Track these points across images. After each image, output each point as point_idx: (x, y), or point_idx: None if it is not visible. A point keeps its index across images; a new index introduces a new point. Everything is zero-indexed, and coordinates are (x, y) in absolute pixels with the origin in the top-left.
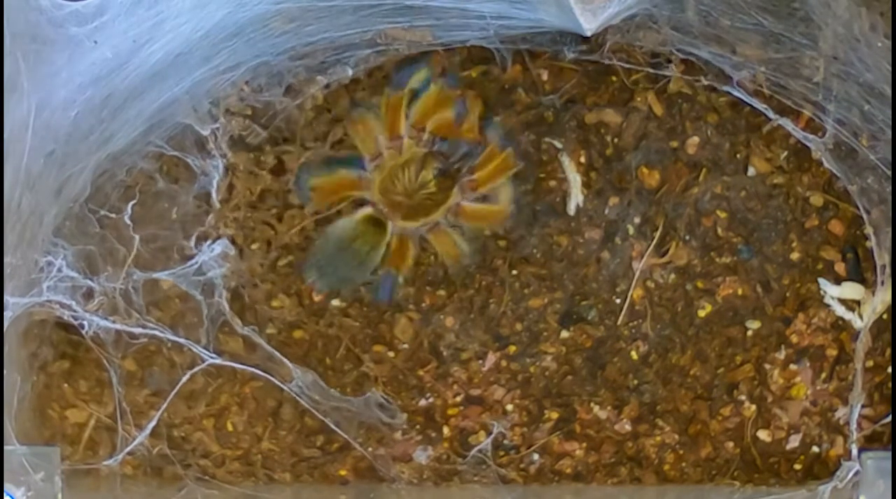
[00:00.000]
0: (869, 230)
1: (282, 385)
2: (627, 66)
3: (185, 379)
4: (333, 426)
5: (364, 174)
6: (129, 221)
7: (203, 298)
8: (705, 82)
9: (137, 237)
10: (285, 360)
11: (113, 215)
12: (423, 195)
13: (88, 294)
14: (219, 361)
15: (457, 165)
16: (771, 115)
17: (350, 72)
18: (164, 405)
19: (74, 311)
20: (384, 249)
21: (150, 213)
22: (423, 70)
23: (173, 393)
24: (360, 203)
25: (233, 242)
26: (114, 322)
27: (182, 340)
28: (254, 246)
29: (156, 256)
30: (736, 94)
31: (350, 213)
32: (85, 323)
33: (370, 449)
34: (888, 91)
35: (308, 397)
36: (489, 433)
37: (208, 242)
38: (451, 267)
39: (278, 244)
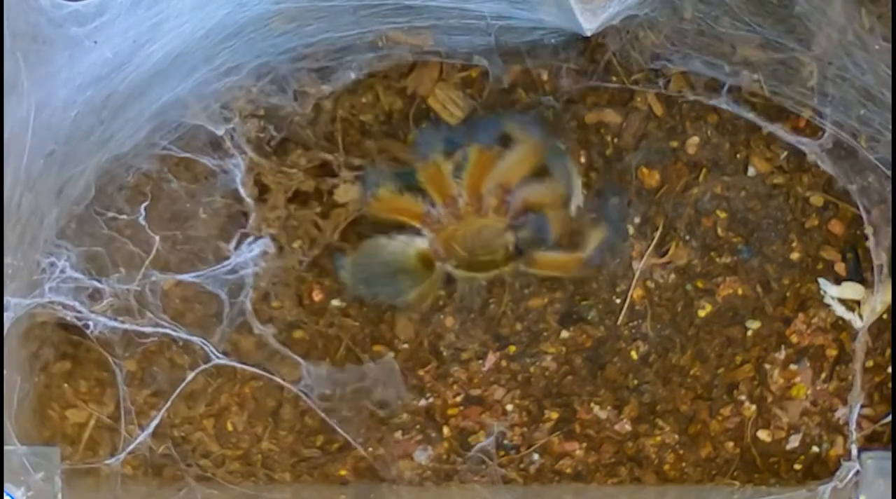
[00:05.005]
0: (869, 230)
1: (286, 384)
2: (627, 66)
3: (189, 378)
4: (335, 426)
5: (432, 211)
6: (143, 222)
7: (227, 298)
8: (703, 82)
9: (157, 238)
10: (296, 356)
11: (123, 217)
12: (486, 259)
13: (94, 295)
14: (224, 361)
15: (533, 246)
16: (761, 123)
17: (353, 75)
18: (167, 405)
19: (78, 311)
20: (423, 289)
21: (162, 213)
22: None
23: (176, 393)
24: (415, 231)
25: (274, 240)
26: (122, 322)
27: (195, 339)
28: (295, 245)
29: (177, 256)
30: (724, 105)
31: (404, 238)
32: (90, 323)
33: (370, 449)
34: (886, 94)
35: (316, 392)
36: (489, 433)
37: (249, 241)
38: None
39: (321, 243)
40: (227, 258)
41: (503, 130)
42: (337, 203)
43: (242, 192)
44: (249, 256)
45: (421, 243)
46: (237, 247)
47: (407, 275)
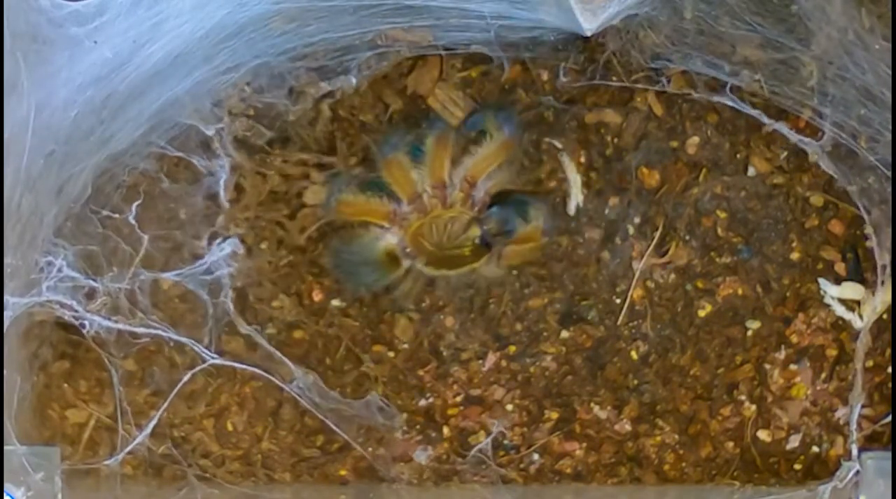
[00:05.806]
0: (869, 230)
1: (282, 385)
2: (627, 65)
3: (185, 379)
4: (333, 426)
5: (399, 210)
6: (133, 221)
7: (209, 298)
8: (704, 82)
9: (146, 237)
10: (286, 360)
11: (116, 216)
12: (454, 253)
13: (90, 294)
14: (220, 361)
15: (499, 238)
16: (765, 119)
17: (354, 81)
18: (165, 405)
19: (75, 310)
20: (390, 281)
21: (157, 213)
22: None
23: (173, 393)
24: (386, 230)
25: (242, 241)
26: (116, 322)
27: (185, 340)
28: (263, 245)
29: (164, 256)
30: (727, 102)
31: (373, 235)
32: (86, 323)
33: (370, 449)
34: (886, 94)
35: (308, 398)
36: (489, 433)
37: (218, 242)
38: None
39: (289, 244)
40: (202, 257)
41: (484, 123)
42: (305, 204)
43: (222, 193)
44: (221, 255)
45: (391, 238)
46: (208, 246)
47: (370, 267)
